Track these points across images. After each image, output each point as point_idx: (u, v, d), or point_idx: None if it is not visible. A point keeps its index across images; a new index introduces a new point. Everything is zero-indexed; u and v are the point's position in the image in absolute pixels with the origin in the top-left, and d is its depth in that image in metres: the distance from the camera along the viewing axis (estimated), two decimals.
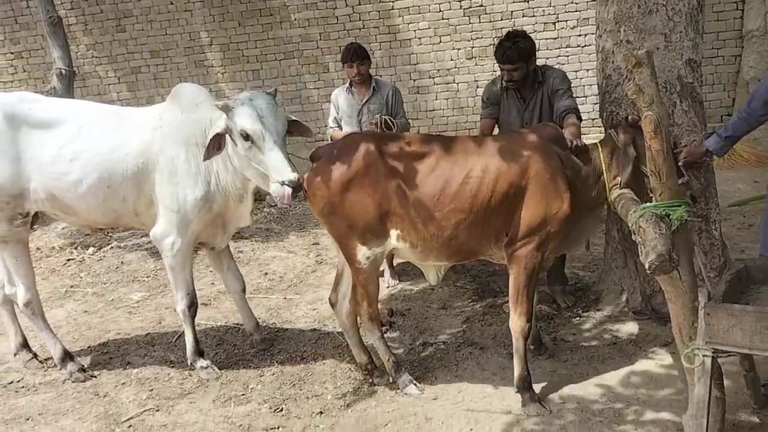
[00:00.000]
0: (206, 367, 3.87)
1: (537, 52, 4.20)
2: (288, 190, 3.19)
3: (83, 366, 3.98)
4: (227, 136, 3.38)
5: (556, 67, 4.65)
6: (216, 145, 3.35)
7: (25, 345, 4.13)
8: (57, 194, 3.63)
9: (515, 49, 3.95)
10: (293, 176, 3.20)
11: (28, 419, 3.54)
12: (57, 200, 3.66)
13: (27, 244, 3.89)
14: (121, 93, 8.90)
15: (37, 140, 3.60)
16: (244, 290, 4.18)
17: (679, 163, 3.23)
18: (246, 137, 3.27)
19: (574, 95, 4.10)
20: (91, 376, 3.92)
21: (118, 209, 3.68)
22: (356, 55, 4.73)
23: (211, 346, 4.29)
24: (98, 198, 3.62)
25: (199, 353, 3.92)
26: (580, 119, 3.93)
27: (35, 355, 4.13)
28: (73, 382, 3.86)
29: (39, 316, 3.94)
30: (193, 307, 3.86)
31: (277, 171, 3.22)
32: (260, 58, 8.62)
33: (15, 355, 4.11)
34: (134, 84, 8.89)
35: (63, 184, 3.60)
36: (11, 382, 3.97)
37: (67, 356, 3.96)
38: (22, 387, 3.90)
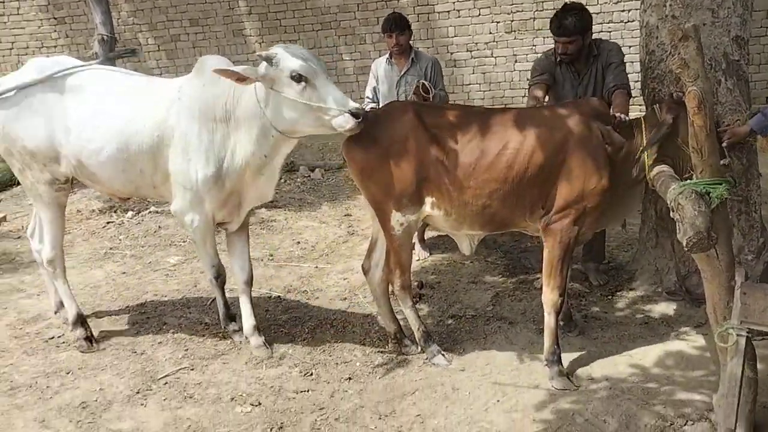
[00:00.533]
0: (238, 330, 3.92)
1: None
2: (354, 119, 3.18)
3: (92, 335, 3.96)
4: (270, 90, 3.26)
5: None
6: (239, 77, 3.23)
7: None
8: (83, 161, 3.63)
9: (572, 21, 3.88)
10: (356, 104, 3.22)
11: (68, 373, 3.68)
12: (83, 167, 3.66)
13: (64, 208, 3.95)
14: (161, 60, 9.00)
15: (67, 105, 3.61)
16: (248, 282, 3.88)
17: (723, 144, 3.17)
18: (299, 78, 3.19)
19: (626, 69, 4.02)
20: (96, 348, 3.90)
21: (136, 181, 3.66)
22: (395, 25, 4.69)
23: None
24: (117, 168, 3.61)
25: (230, 318, 3.98)
26: (629, 95, 3.87)
27: None
28: (76, 347, 3.90)
29: (60, 276, 3.97)
30: (220, 278, 3.88)
31: (340, 102, 3.20)
32: (297, 28, 8.62)
33: (55, 312, 4.25)
34: (173, 52, 8.98)
35: (86, 151, 3.59)
36: (52, 338, 4.11)
37: (80, 320, 3.97)
38: (63, 342, 4.04)
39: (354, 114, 3.17)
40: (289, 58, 3.21)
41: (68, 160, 3.66)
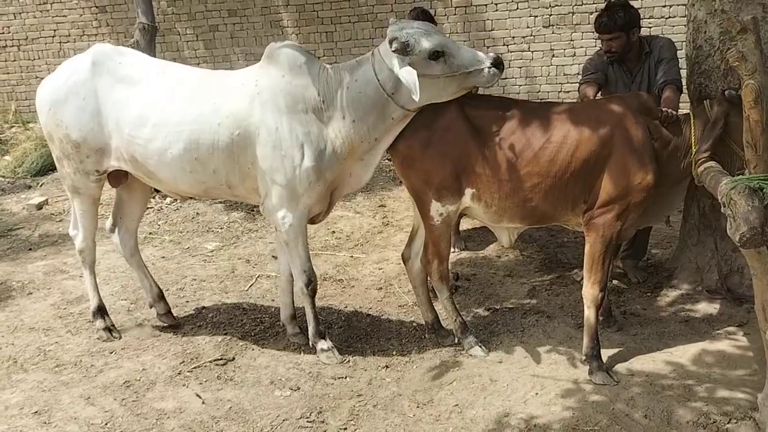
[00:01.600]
0: (326, 350, 3.58)
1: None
2: (498, 70, 3.19)
3: (112, 326, 3.94)
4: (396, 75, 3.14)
5: None
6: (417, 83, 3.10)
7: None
8: (140, 159, 3.46)
9: (614, 18, 3.84)
10: (492, 54, 3.23)
11: (112, 353, 3.76)
12: (140, 165, 3.50)
13: (97, 201, 3.83)
14: (199, 50, 9.08)
15: (119, 96, 3.44)
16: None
17: None
18: (436, 55, 3.14)
19: (679, 65, 3.97)
20: (116, 337, 3.89)
21: (208, 182, 3.44)
22: (419, 20, 4.68)
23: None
24: (185, 169, 3.40)
25: (320, 334, 3.61)
26: (680, 90, 3.82)
27: None
28: (96, 337, 3.89)
29: (88, 266, 3.90)
30: (311, 284, 3.55)
31: (479, 59, 3.18)
32: (334, 20, 8.63)
33: (150, 306, 4.08)
34: (211, 42, 9.05)
35: (146, 150, 3.40)
36: None
37: (101, 312, 3.93)
38: None
39: (496, 65, 3.17)
40: (422, 41, 3.13)
41: (119, 153, 3.52)
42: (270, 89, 3.31)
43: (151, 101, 3.40)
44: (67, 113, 3.50)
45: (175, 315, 4.10)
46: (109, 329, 3.92)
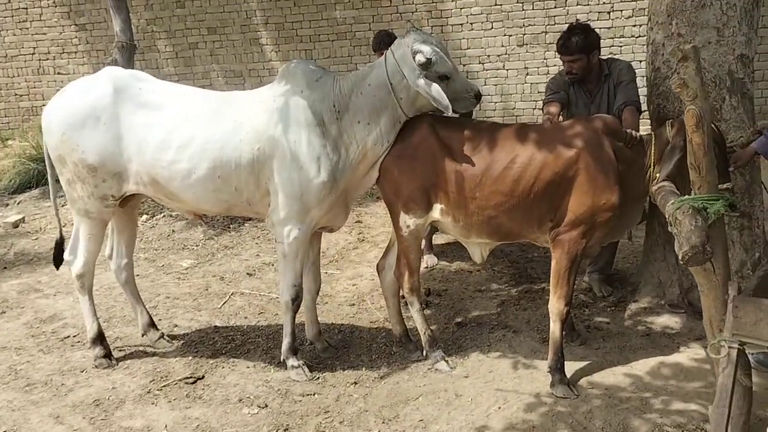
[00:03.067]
0: (297, 367, 3.65)
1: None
2: (475, 100, 3.53)
3: (110, 353, 3.88)
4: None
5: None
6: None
7: None
8: (162, 182, 3.48)
9: (575, 40, 3.98)
10: (476, 88, 3.54)
11: (82, 371, 3.79)
12: (161, 187, 3.51)
13: (106, 225, 3.80)
14: (178, 68, 9.14)
15: (141, 122, 3.45)
16: (318, 292, 3.95)
17: (730, 169, 3.26)
18: (444, 78, 3.40)
19: (637, 87, 4.10)
20: (114, 363, 3.84)
21: (230, 200, 3.52)
22: (383, 43, 4.82)
23: (253, 314, 4.49)
24: (207, 189, 3.46)
25: (294, 351, 3.69)
26: (639, 111, 3.96)
27: None
28: (95, 366, 3.81)
29: (87, 292, 3.81)
30: (297, 300, 3.63)
31: (467, 89, 3.50)
32: (313, 38, 8.74)
33: (142, 335, 4.08)
34: (191, 59, 9.12)
35: (169, 172, 3.44)
36: (67, 337, 4.24)
37: (100, 339, 3.85)
38: (78, 342, 4.16)
39: (476, 96, 3.51)
40: (442, 62, 3.38)
41: (139, 178, 3.53)
42: (289, 104, 3.45)
43: (175, 125, 3.46)
44: (85, 137, 3.47)
45: (168, 339, 4.08)
46: (108, 356, 3.85)
